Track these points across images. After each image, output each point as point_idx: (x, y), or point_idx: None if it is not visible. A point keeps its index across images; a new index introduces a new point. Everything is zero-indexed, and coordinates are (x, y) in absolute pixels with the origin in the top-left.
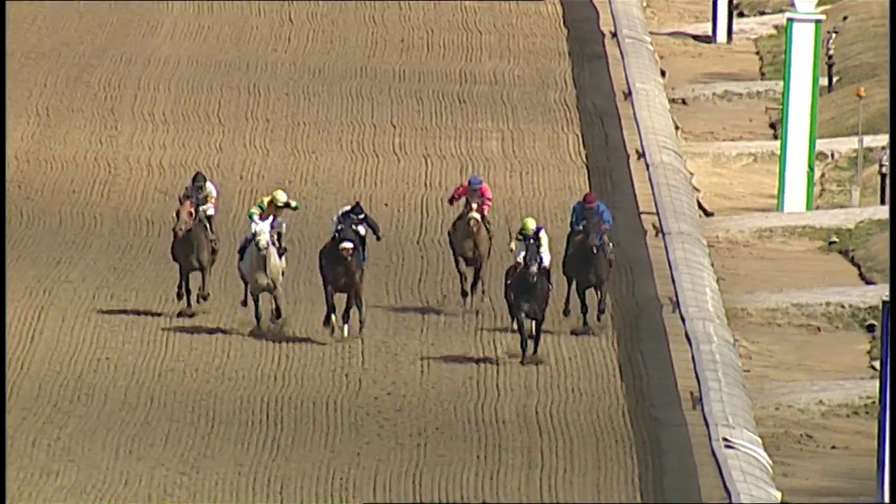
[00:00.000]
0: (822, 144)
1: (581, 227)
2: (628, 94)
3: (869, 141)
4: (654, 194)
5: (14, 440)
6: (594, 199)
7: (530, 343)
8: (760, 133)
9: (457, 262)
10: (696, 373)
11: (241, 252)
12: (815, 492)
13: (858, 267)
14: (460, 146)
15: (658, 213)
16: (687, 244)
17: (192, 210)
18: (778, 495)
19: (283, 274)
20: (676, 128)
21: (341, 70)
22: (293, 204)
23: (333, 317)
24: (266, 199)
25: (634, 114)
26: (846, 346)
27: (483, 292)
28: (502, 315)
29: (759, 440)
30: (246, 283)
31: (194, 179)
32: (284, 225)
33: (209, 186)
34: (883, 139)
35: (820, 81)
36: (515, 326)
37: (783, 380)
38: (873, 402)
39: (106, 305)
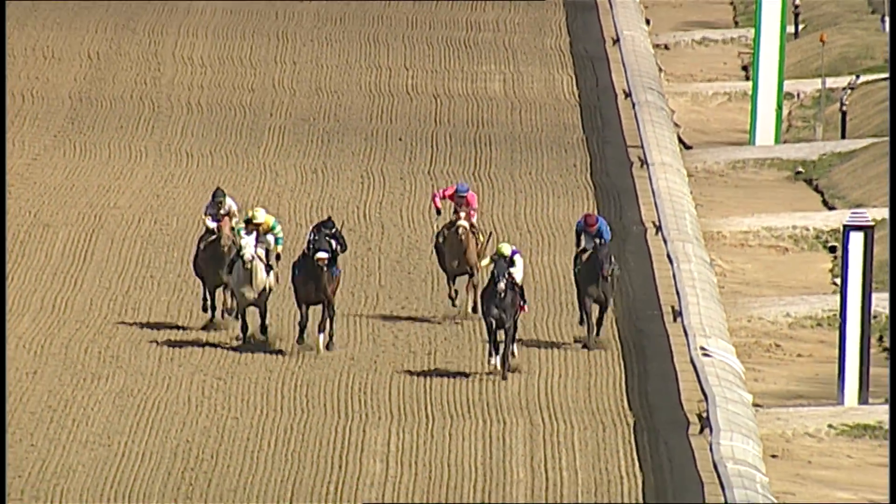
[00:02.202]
0: (789, 85)
1: (591, 248)
2: (616, 41)
3: (831, 82)
4: (639, 129)
5: (69, 349)
6: (595, 220)
7: (499, 356)
8: (734, 75)
9: (445, 272)
10: (676, 289)
11: (231, 266)
12: (782, 395)
13: (822, 194)
14: (466, 87)
15: (643, 146)
16: (668, 174)
17: (234, 225)
18: (749, 398)
19: (269, 290)
20: (659, 70)
21: (360, 18)
22: (277, 229)
23: (307, 333)
24: (249, 213)
25: (622, 58)
26: (810, 265)
27: (468, 300)
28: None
29: (733, 349)
30: (233, 295)
31: (214, 195)
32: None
33: (229, 202)
34: (843, 80)
35: (787, 29)
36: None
37: (754, 295)
38: (835, 315)
39: (150, 229)
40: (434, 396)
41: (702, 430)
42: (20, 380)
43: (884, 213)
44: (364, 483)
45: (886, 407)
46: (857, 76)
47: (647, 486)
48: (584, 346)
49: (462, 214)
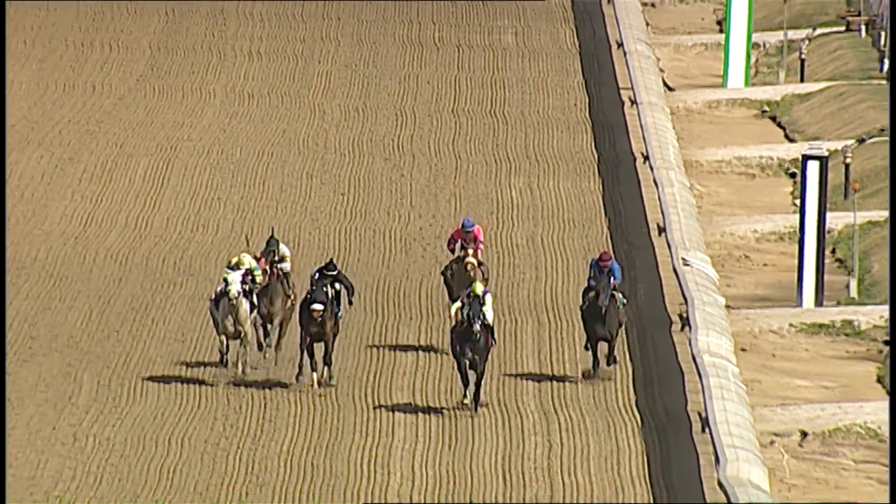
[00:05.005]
0: (756, 37)
1: (593, 285)
2: None
3: (792, 34)
4: (629, 74)
5: (149, 260)
6: (609, 257)
7: (471, 393)
8: (710, 28)
9: (452, 301)
10: (661, 208)
11: (217, 301)
12: (750, 298)
13: (784, 129)
14: (484, 38)
15: (633, 88)
16: (655, 112)
17: (267, 267)
18: (722, 300)
19: (251, 323)
20: (647, 24)
21: None
22: (257, 272)
23: (308, 365)
24: (234, 260)
25: (615, 13)
26: (774, 188)
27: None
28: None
29: (709, 259)
30: (217, 329)
31: (268, 243)
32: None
33: (283, 248)
34: (802, 33)
35: None
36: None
37: (727, 214)
38: (794, 231)
39: (217, 159)
40: None
41: (682, 328)
42: (108, 286)
43: (836, 144)
44: (397, 372)
45: (839, 308)
46: (814, 29)
47: (637, 374)
48: (588, 377)
49: (469, 251)
